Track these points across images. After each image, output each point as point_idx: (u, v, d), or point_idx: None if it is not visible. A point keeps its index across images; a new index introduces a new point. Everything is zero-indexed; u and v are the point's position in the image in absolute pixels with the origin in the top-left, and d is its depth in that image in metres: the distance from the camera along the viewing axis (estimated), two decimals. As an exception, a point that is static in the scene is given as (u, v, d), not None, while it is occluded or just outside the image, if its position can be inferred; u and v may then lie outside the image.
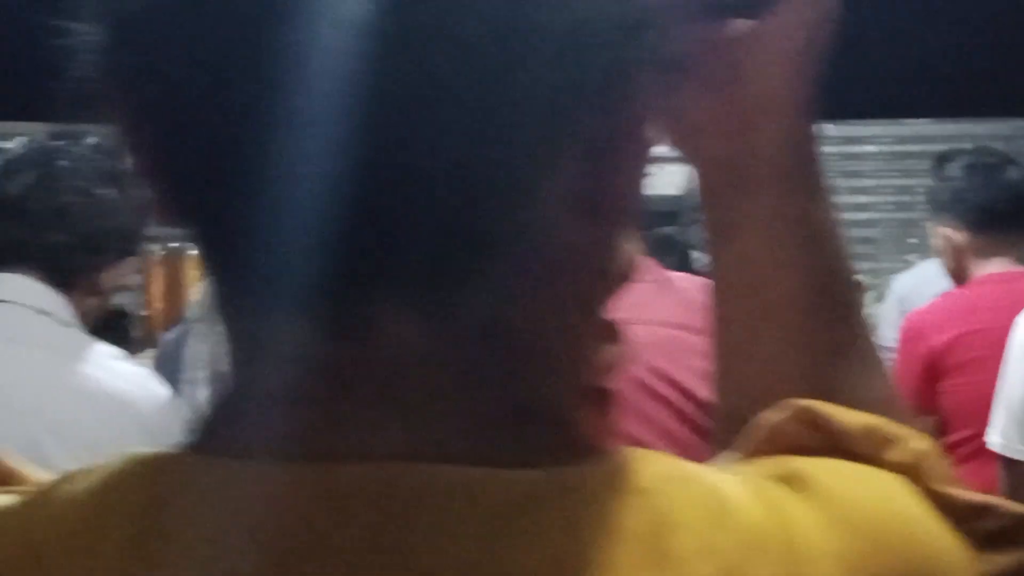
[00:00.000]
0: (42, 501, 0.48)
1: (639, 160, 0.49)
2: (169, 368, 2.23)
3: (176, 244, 4.76)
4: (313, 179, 0.43)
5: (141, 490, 0.47)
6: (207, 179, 0.46)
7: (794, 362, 0.64)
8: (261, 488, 0.45)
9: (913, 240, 6.41)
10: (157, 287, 4.89)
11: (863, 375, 0.64)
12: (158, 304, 4.86)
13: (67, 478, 0.48)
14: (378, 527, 0.44)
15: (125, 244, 1.96)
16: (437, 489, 0.44)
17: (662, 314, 1.32)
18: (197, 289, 2.90)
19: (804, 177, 0.65)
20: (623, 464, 0.46)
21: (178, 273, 4.81)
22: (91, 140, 1.99)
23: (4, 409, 1.77)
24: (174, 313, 4.40)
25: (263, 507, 0.45)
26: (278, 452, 0.46)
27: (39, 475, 0.55)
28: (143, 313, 4.73)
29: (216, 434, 0.48)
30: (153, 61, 0.45)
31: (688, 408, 1.30)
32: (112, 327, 1.98)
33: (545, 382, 0.48)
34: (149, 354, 2.59)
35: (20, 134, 2.05)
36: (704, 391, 1.22)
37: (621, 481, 0.45)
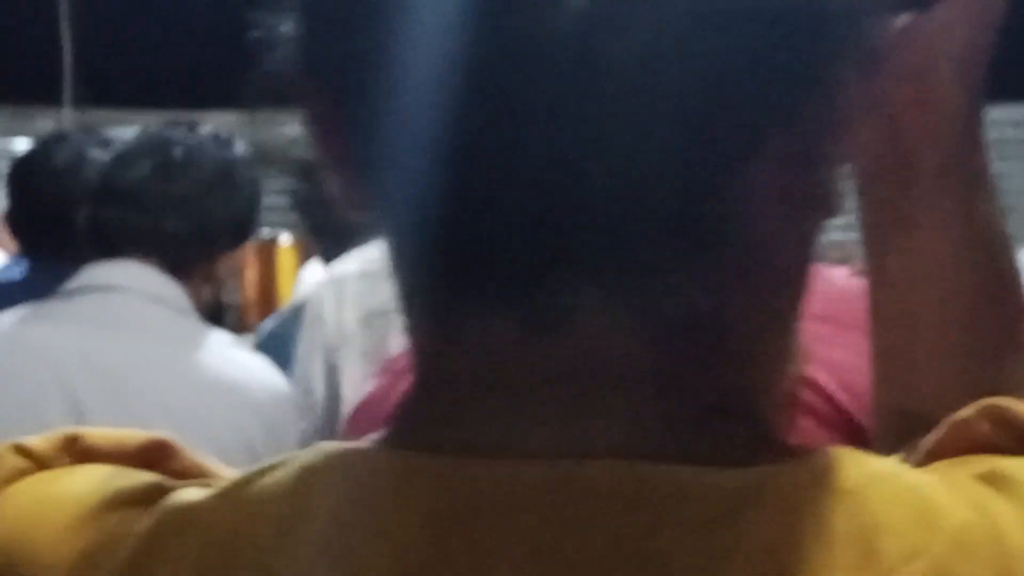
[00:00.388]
0: (237, 494, 0.48)
1: (843, 150, 0.48)
2: (271, 357, 2.24)
3: (269, 234, 4.81)
4: (512, 166, 0.43)
5: (339, 485, 0.46)
6: (400, 166, 0.45)
7: (960, 361, 0.63)
8: (462, 485, 0.44)
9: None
10: (251, 277, 4.94)
11: None
12: (252, 294, 4.91)
13: (259, 472, 0.48)
14: (591, 525, 0.43)
15: (239, 232, 1.97)
16: (647, 489, 0.43)
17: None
18: (292, 279, 2.90)
19: (971, 171, 0.64)
20: (826, 463, 0.45)
21: (271, 263, 4.86)
22: (205, 129, 2.00)
23: (121, 397, 1.78)
24: (268, 303, 4.44)
25: (466, 504, 0.44)
26: (475, 448, 0.45)
27: (223, 468, 0.55)
28: (237, 302, 4.78)
29: (408, 429, 0.48)
30: (352, 48, 0.45)
31: (825, 409, 1.26)
32: (208, 316, 1.99)
33: (744, 378, 0.47)
34: (245, 342, 2.61)
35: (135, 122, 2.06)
36: (841, 392, 1.18)
37: (827, 481, 0.44)
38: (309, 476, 0.47)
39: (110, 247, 1.91)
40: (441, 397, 0.47)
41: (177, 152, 1.93)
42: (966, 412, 0.50)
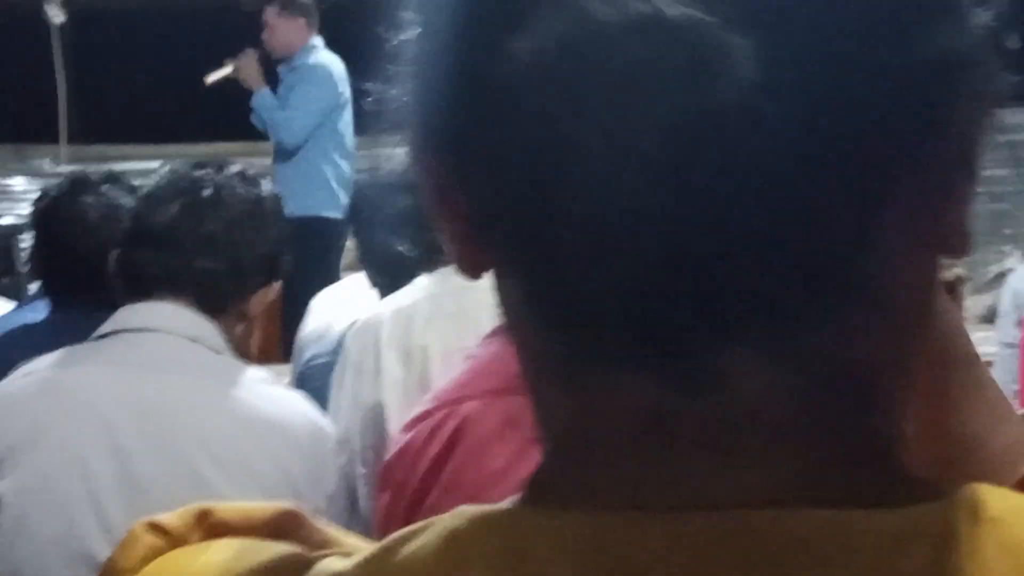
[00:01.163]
0: (384, 564, 0.47)
1: (971, 189, 0.48)
2: (312, 389, 2.25)
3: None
4: (650, 225, 0.42)
5: (495, 549, 0.46)
6: (535, 227, 0.45)
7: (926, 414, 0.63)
8: (631, 540, 0.44)
9: (1008, 231, 6.33)
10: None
11: (995, 421, 0.64)
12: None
13: (401, 539, 0.48)
14: (766, 569, 0.43)
15: (270, 269, 1.98)
16: (813, 534, 0.44)
17: None
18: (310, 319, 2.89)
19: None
20: (971, 498, 0.45)
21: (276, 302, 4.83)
22: (233, 167, 2.01)
23: (163, 438, 1.79)
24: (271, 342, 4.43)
25: (639, 558, 0.44)
26: (632, 504, 0.45)
27: (347, 537, 0.55)
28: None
29: (554, 489, 0.48)
30: (481, 115, 0.45)
31: None
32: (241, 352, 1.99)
33: (885, 420, 0.47)
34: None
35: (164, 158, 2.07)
36: None
37: (974, 514, 0.45)
38: (459, 542, 0.46)
39: (142, 288, 1.92)
40: (587, 457, 0.47)
41: (206, 191, 1.93)
42: None
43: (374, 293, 2.48)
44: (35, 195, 6.41)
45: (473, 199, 0.47)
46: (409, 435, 1.52)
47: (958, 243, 0.48)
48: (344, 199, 4.69)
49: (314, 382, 2.45)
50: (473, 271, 0.49)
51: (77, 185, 2.35)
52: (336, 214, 5.08)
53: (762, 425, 0.45)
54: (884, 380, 0.47)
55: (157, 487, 1.76)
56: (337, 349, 2.41)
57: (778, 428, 0.45)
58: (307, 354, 2.76)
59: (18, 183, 6.86)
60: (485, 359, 1.49)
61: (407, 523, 0.48)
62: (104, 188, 2.32)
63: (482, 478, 1.41)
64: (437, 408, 1.50)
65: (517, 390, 0.50)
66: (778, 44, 0.42)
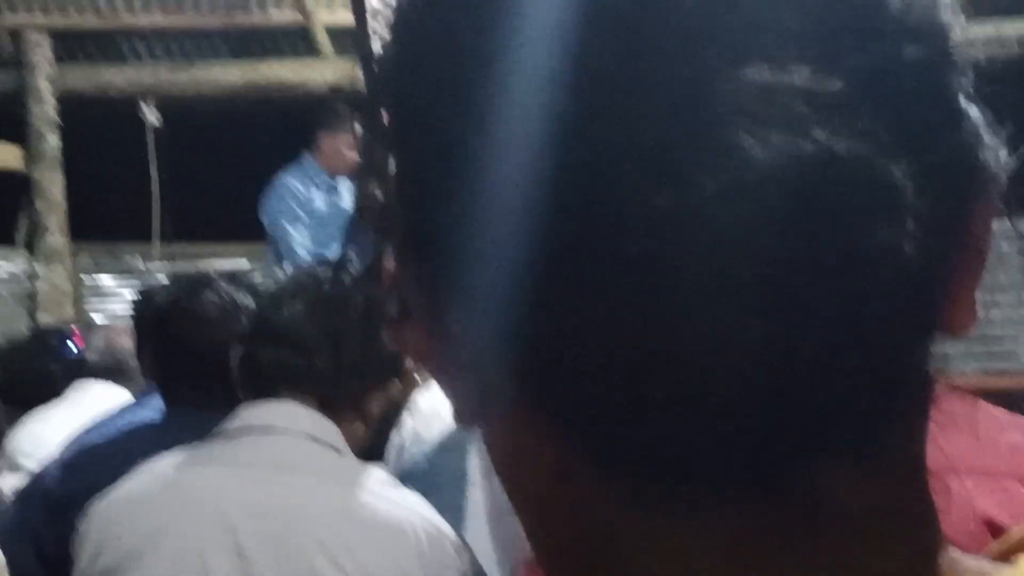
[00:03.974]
0: None
1: (981, 273, 0.48)
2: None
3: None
4: (757, 353, 0.41)
5: None
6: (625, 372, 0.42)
7: None
8: None
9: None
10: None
11: None
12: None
13: None
14: None
15: (390, 368, 1.97)
16: None
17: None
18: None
19: None
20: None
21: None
22: (353, 267, 2.02)
23: (284, 540, 1.78)
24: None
25: None
26: None
27: None
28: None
29: None
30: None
31: None
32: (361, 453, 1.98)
33: (942, 517, 0.47)
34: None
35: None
36: None
37: None
38: None
39: (264, 386, 1.92)
40: None
41: (327, 291, 1.94)
42: None
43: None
44: (124, 293, 6.47)
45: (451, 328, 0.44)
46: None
47: (968, 324, 0.47)
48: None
49: (416, 484, 2.44)
50: (472, 421, 0.47)
51: (197, 283, 2.36)
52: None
53: (850, 529, 0.44)
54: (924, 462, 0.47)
55: (277, 590, 1.75)
56: (441, 450, 2.39)
57: (872, 529, 0.44)
58: (405, 455, 2.74)
59: (108, 281, 6.95)
60: None
61: None
62: (223, 286, 2.34)
63: None
64: None
65: None
66: (923, 174, 0.41)
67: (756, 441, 0.41)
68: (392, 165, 0.47)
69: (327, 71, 6.46)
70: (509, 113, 0.41)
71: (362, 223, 0.52)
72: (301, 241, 5.27)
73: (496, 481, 0.46)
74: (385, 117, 0.46)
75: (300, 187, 5.37)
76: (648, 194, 0.40)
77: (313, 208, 5.42)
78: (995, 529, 1.23)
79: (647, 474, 0.43)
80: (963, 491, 0.52)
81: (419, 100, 0.44)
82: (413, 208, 0.46)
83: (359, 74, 0.50)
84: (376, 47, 0.47)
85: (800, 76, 0.40)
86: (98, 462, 2.26)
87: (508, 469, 0.47)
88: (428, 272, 0.45)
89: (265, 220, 5.38)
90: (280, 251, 5.32)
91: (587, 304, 0.41)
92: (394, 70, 0.46)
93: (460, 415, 0.48)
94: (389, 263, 0.49)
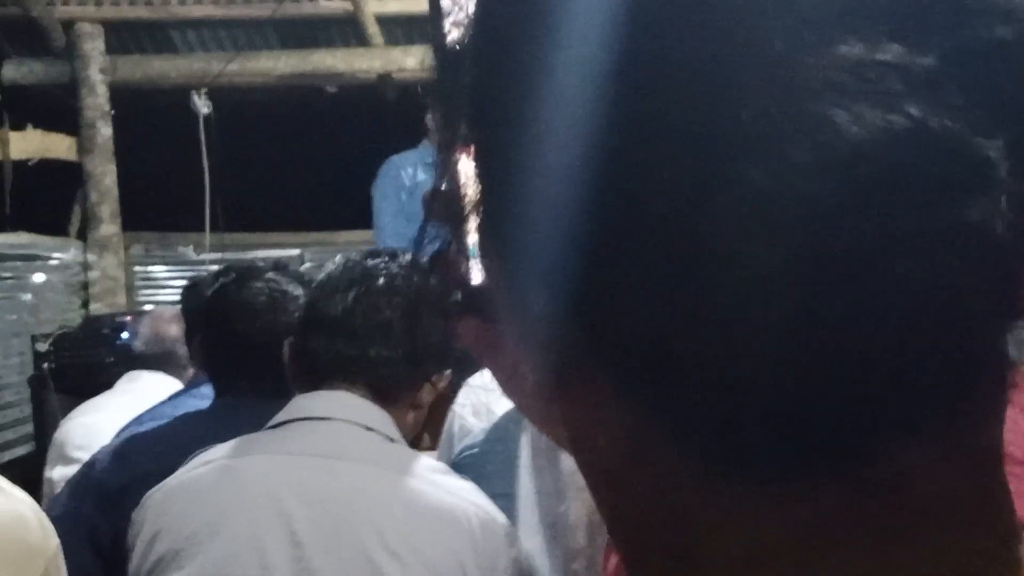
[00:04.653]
0: None
1: None
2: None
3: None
4: (838, 327, 0.40)
5: None
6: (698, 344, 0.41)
7: None
8: None
9: None
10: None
11: None
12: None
13: None
14: None
15: (442, 358, 1.97)
16: None
17: None
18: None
19: None
20: None
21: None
22: (404, 258, 2.01)
23: (338, 527, 1.78)
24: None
25: None
26: None
27: None
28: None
29: None
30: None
31: None
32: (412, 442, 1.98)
33: (1011, 497, 0.46)
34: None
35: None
36: None
37: None
38: None
39: (317, 376, 1.92)
40: (752, 572, 0.44)
41: (380, 280, 1.94)
42: None
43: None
44: (175, 283, 6.53)
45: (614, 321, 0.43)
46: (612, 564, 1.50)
47: None
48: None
49: (467, 473, 2.44)
50: (551, 396, 0.46)
51: (245, 273, 2.37)
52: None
53: (935, 512, 0.43)
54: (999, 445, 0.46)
55: (331, 575, 1.75)
56: (490, 439, 2.39)
57: (951, 512, 0.44)
58: (458, 445, 2.74)
59: (160, 270, 7.00)
60: None
61: None
62: (271, 275, 2.34)
63: None
64: None
65: None
66: (1014, 154, 0.41)
67: (835, 420, 0.41)
68: (471, 149, 0.47)
69: (376, 60, 6.47)
70: (595, 86, 0.41)
71: (432, 212, 0.52)
72: (393, 230, 5.17)
73: (548, 469, 0.46)
74: (464, 104, 0.47)
75: (410, 170, 5.26)
76: (740, 168, 0.40)
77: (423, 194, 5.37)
78: None
79: (724, 453, 0.42)
80: None
81: (508, 76, 0.44)
82: (496, 188, 0.46)
83: (430, 62, 0.49)
84: (448, 35, 0.47)
85: (892, 52, 0.40)
86: (151, 452, 2.27)
87: (584, 448, 0.47)
88: (509, 249, 0.46)
89: (373, 201, 5.29)
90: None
91: (667, 277, 0.41)
92: (478, 55, 0.46)
93: (537, 395, 0.47)
94: (454, 253, 0.48)
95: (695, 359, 0.41)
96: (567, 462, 2.01)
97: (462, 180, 0.48)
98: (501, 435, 2.32)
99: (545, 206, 0.43)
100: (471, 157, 0.47)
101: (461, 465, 2.62)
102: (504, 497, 2.13)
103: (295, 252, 6.45)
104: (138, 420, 2.65)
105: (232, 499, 1.80)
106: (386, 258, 1.99)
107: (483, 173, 0.47)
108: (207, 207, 6.39)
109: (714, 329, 0.41)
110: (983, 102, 0.40)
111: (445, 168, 0.49)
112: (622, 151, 0.41)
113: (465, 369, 2.57)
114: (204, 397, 2.48)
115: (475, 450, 2.58)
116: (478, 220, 0.47)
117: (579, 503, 1.96)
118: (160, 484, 1.89)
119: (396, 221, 5.07)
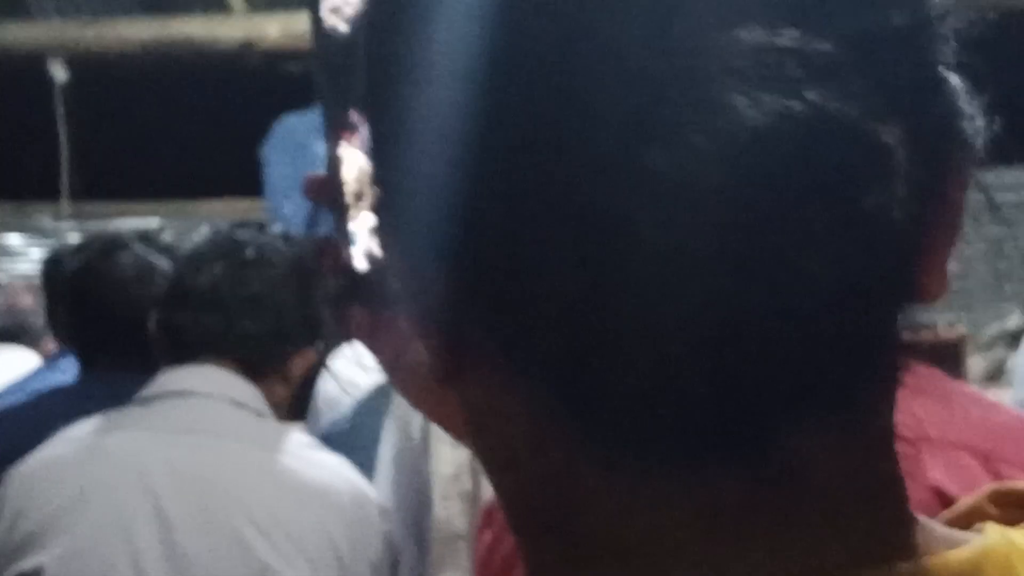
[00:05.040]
0: None
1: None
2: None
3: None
4: (731, 313, 0.40)
5: None
6: (587, 325, 0.41)
7: None
8: None
9: (1008, 289, 6.36)
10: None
11: None
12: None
13: None
14: None
15: (312, 332, 1.95)
16: None
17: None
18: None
19: None
20: (1003, 535, 0.46)
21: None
22: (275, 228, 1.99)
23: (206, 503, 1.76)
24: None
25: None
26: None
27: None
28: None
29: None
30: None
31: None
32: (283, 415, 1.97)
33: (903, 479, 0.47)
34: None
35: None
36: None
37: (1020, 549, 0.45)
38: None
39: (184, 350, 1.89)
40: (649, 559, 0.44)
41: (249, 252, 1.91)
42: (973, 499, 0.52)
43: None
44: (32, 252, 6.36)
45: (502, 305, 0.43)
46: (482, 538, 1.50)
47: (940, 291, 0.47)
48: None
49: (337, 447, 2.42)
50: (447, 378, 0.46)
51: (110, 244, 2.31)
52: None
53: (830, 498, 0.44)
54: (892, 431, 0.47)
55: (200, 555, 1.73)
56: (359, 412, 2.38)
57: (846, 496, 0.44)
58: (325, 418, 2.72)
59: (15, 240, 6.83)
60: None
61: (509, 562, 0.46)
62: (137, 247, 2.29)
63: None
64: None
65: None
66: (910, 140, 0.41)
67: (732, 407, 0.41)
68: (362, 126, 0.46)
69: (237, 28, 6.38)
70: (494, 58, 0.41)
71: (316, 198, 0.51)
72: (284, 188, 5.01)
73: (408, 443, 0.45)
74: (350, 91, 0.46)
75: (303, 135, 5.08)
76: (637, 151, 0.39)
77: (318, 158, 5.21)
78: (944, 499, 1.25)
79: (621, 440, 0.42)
80: (916, 459, 0.52)
81: (403, 53, 0.44)
82: (390, 167, 0.45)
83: (309, 35, 0.48)
84: (326, 21, 0.47)
85: (791, 38, 0.40)
86: (11, 428, 2.21)
87: (482, 433, 0.47)
88: (406, 231, 0.45)
89: (262, 165, 5.12)
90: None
91: (569, 262, 0.40)
92: (368, 39, 0.46)
93: (435, 375, 0.46)
94: (338, 240, 0.48)
95: (596, 344, 0.41)
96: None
97: (345, 167, 0.48)
98: (370, 407, 2.31)
99: (444, 186, 0.42)
100: (356, 144, 0.47)
101: (331, 438, 2.61)
102: (370, 470, 2.13)
103: (155, 221, 6.34)
104: (-1, 395, 2.59)
105: (96, 476, 1.77)
106: (255, 229, 1.96)
107: (377, 158, 0.46)
108: (64, 176, 6.24)
109: (616, 313, 0.40)
110: (881, 88, 0.41)
111: (330, 155, 0.48)
112: (519, 135, 0.41)
113: (334, 341, 2.55)
114: (67, 371, 2.43)
115: (345, 425, 2.57)
116: (374, 201, 0.46)
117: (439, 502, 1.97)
118: (23, 461, 1.84)
119: (288, 181, 4.97)
